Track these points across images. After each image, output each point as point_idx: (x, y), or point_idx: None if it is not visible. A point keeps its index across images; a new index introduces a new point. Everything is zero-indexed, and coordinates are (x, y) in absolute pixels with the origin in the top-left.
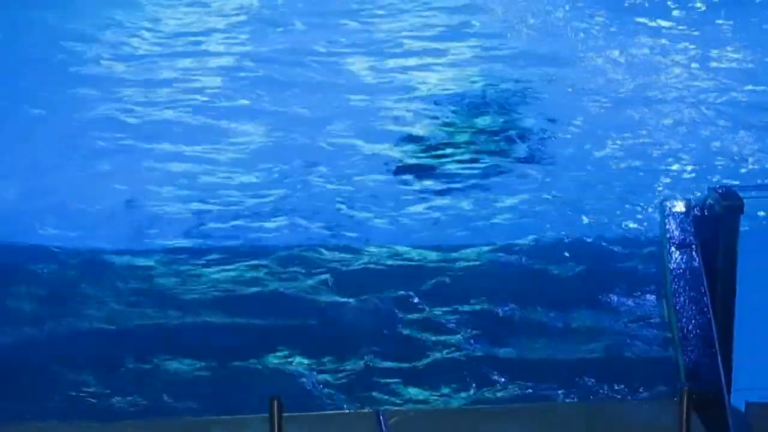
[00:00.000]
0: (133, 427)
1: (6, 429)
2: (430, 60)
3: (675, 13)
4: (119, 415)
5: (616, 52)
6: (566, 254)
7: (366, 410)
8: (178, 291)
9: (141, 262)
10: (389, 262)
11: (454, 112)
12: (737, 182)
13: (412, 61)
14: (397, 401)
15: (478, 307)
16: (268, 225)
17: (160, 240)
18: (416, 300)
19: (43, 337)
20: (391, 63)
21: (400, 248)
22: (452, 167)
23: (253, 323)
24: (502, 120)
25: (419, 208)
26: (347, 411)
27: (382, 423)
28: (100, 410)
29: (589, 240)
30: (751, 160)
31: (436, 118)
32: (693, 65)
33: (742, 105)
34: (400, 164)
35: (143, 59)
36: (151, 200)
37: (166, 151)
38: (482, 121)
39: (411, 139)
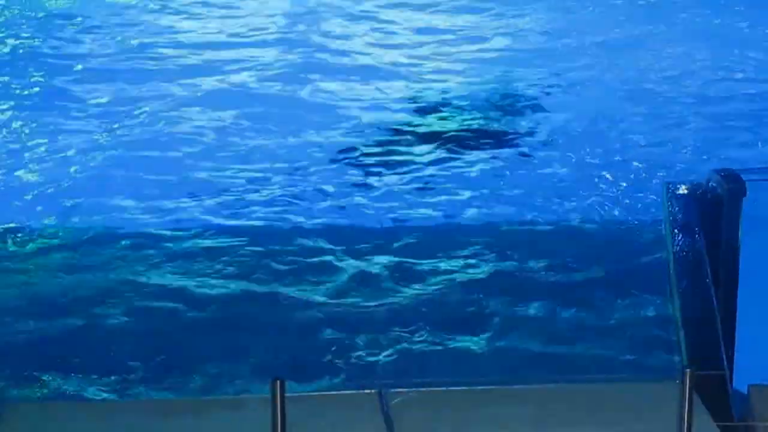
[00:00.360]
0: (134, 405)
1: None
2: (441, 39)
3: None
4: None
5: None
6: (565, 238)
7: (368, 391)
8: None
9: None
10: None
11: (460, 96)
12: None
13: (423, 43)
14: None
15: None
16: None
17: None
18: (418, 282)
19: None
20: (399, 39)
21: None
22: (452, 151)
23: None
24: (507, 104)
25: (414, 186)
26: (349, 391)
27: (384, 403)
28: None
29: (590, 224)
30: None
31: (445, 101)
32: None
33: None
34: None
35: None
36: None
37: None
38: (486, 105)
39: (411, 120)
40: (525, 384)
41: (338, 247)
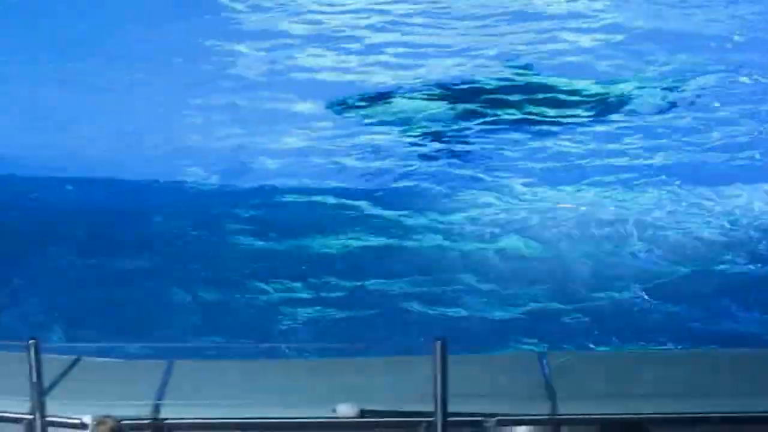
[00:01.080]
0: (296, 365)
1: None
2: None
3: None
4: None
5: None
6: None
7: (528, 352)
8: None
9: None
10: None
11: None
12: None
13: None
14: None
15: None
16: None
17: None
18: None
19: None
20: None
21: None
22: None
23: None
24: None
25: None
26: (510, 353)
27: (545, 365)
28: None
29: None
30: None
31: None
32: None
33: None
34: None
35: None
36: None
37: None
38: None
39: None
40: (678, 348)
41: None
